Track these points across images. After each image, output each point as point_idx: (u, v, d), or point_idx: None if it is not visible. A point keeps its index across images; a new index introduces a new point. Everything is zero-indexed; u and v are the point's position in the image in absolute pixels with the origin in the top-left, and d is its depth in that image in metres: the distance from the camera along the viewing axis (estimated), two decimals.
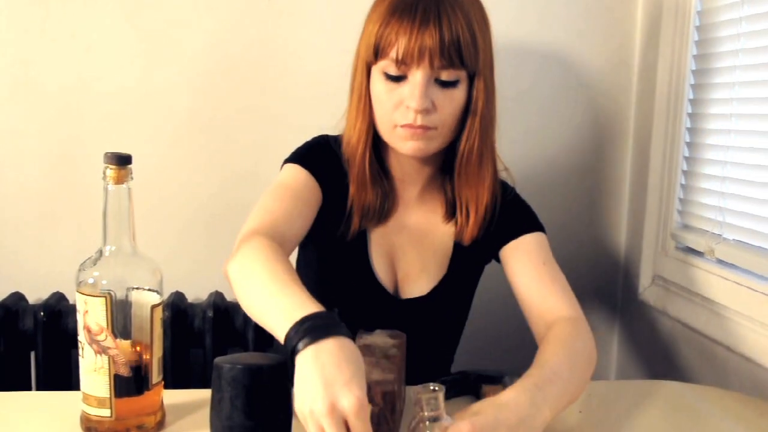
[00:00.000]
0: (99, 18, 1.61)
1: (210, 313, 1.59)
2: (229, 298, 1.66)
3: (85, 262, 0.98)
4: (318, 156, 1.25)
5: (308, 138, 1.30)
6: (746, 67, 1.40)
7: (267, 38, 1.65)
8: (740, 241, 1.42)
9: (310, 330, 0.84)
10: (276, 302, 0.92)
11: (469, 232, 1.25)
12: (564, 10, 1.73)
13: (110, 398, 0.96)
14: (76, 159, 1.64)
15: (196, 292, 1.69)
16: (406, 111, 1.13)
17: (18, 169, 1.64)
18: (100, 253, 0.97)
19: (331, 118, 1.27)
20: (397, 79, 1.13)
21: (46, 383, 1.56)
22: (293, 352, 0.84)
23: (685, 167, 1.60)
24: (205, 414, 0.90)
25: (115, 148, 1.00)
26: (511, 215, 1.27)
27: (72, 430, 0.99)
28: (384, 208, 1.26)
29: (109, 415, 0.96)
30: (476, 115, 1.17)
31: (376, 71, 1.16)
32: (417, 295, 1.28)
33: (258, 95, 1.67)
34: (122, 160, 0.96)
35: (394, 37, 1.11)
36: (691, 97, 1.58)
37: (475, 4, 1.17)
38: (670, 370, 1.61)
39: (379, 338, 1.07)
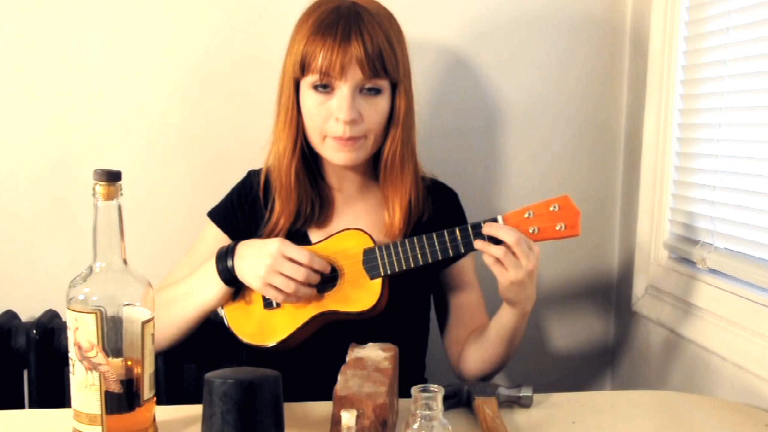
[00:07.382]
0: (88, 35, 1.61)
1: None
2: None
3: (75, 278, 0.98)
4: (234, 206, 1.38)
5: None
6: (734, 76, 1.41)
7: (258, 52, 1.65)
8: (732, 250, 1.43)
9: (222, 254, 1.23)
10: (190, 279, 1.28)
11: (396, 227, 1.32)
12: (552, 20, 1.74)
13: (101, 415, 0.96)
14: (67, 176, 1.64)
15: None
16: (336, 123, 1.23)
17: (9, 187, 1.64)
18: (91, 269, 0.97)
19: None
20: (326, 91, 1.23)
21: (39, 402, 1.55)
22: (232, 270, 1.21)
23: (675, 177, 1.61)
24: (197, 430, 0.89)
25: (106, 165, 1.01)
26: (446, 214, 1.39)
27: None
28: (315, 212, 1.33)
29: None
30: (398, 123, 1.28)
31: (305, 86, 1.25)
32: None
33: (250, 110, 1.67)
34: (112, 177, 0.96)
35: (319, 52, 1.21)
36: (681, 107, 1.59)
37: (391, 18, 1.29)
38: (665, 380, 1.61)
39: (372, 351, 1.07)
